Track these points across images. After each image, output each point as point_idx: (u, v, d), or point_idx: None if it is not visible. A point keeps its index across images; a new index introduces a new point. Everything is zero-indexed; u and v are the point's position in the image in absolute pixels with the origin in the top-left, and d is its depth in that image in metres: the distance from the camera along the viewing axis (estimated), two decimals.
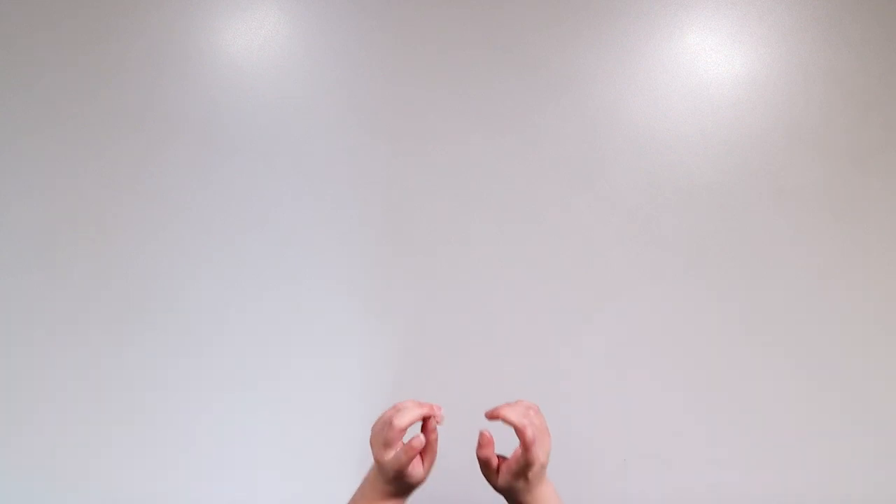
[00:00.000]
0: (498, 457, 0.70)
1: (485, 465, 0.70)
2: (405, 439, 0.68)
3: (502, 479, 0.68)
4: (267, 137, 1.03)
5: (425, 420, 0.69)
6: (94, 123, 1.03)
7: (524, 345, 1.01)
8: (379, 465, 0.68)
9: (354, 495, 0.72)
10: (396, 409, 0.68)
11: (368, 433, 0.70)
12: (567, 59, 1.02)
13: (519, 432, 0.66)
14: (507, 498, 0.71)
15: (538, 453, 0.66)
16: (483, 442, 0.69)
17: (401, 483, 0.68)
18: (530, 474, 0.66)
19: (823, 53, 1.00)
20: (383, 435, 0.66)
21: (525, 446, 0.66)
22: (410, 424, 0.67)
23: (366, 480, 0.71)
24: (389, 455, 0.66)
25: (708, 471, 1.00)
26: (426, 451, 0.69)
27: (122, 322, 1.02)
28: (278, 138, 1.03)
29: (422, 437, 0.67)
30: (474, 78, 1.02)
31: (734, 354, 0.99)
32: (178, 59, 1.03)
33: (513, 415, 0.67)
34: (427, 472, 0.70)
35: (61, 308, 1.02)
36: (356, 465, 0.99)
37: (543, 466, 0.68)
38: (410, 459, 0.66)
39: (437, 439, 0.70)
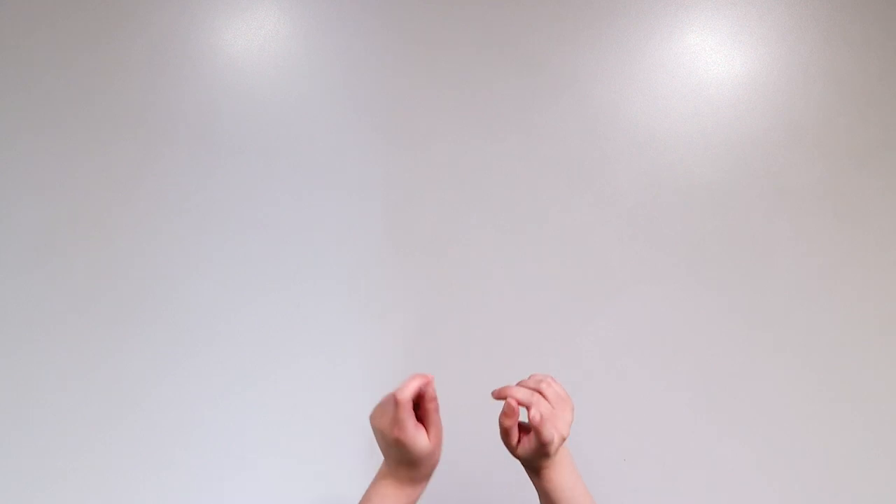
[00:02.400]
0: (520, 427, 0.69)
1: (505, 435, 0.68)
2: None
3: (521, 450, 0.68)
4: (267, 137, 1.03)
5: (422, 390, 0.66)
6: (94, 123, 1.03)
7: (524, 344, 1.01)
8: (394, 445, 0.65)
9: (367, 495, 0.69)
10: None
11: (369, 432, 0.69)
12: (567, 59, 1.02)
13: (528, 416, 0.64)
14: (524, 466, 0.70)
15: (551, 433, 0.64)
16: (507, 411, 0.67)
17: (412, 460, 0.65)
18: (549, 450, 0.65)
19: (823, 53, 1.00)
20: (391, 415, 0.64)
21: (534, 429, 0.64)
22: (413, 394, 0.64)
23: (376, 480, 0.69)
24: (408, 431, 0.63)
25: (708, 471, 1.00)
26: (429, 421, 0.66)
27: (122, 322, 1.02)
28: (278, 138, 1.03)
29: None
30: (474, 78, 1.02)
31: (734, 354, 1.00)
32: (178, 60, 1.03)
33: (520, 393, 0.65)
34: (436, 445, 0.66)
35: (61, 308, 1.02)
36: (356, 464, 0.99)
37: (563, 439, 0.66)
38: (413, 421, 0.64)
39: (437, 408, 0.66)
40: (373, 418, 0.67)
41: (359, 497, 0.71)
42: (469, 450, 1.02)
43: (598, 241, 1.01)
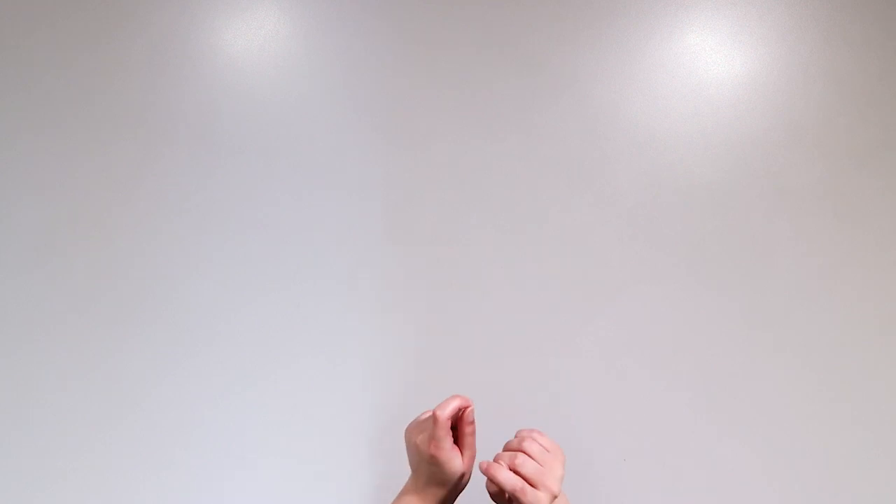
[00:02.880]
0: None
1: (495, 498, 0.66)
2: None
3: None
4: (267, 137, 1.03)
5: (461, 412, 0.67)
6: (94, 123, 1.03)
7: (523, 345, 1.01)
8: (428, 462, 0.65)
9: None
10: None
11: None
12: (567, 59, 1.02)
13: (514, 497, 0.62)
14: None
15: (540, 499, 0.62)
16: (490, 490, 0.65)
17: (443, 480, 0.66)
18: None
19: (823, 53, 1.00)
20: (430, 432, 0.65)
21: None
22: (454, 413, 0.65)
23: (401, 498, 0.69)
24: (444, 450, 0.64)
25: (708, 471, 1.00)
26: (464, 444, 0.67)
27: (122, 322, 1.02)
28: (278, 138, 1.03)
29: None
30: (474, 78, 1.02)
31: (734, 354, 1.00)
32: (178, 60, 1.03)
33: (501, 475, 0.63)
34: (469, 466, 0.67)
35: (61, 308, 1.02)
36: (356, 464, 0.99)
37: (554, 497, 0.64)
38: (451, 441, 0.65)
39: (474, 432, 0.68)
40: (410, 433, 0.68)
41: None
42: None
43: (598, 241, 1.01)
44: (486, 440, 1.03)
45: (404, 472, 0.77)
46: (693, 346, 0.99)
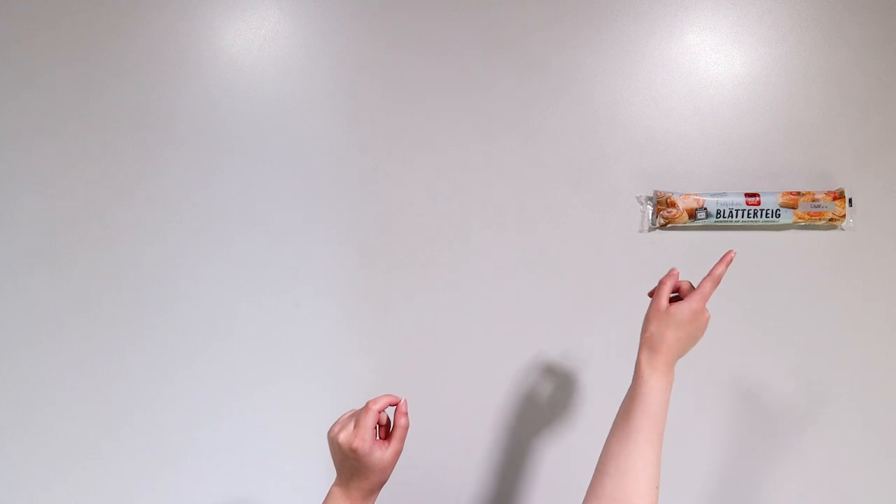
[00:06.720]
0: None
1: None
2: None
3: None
4: (266, 138, 1.03)
5: (396, 406, 0.71)
6: (94, 123, 1.03)
7: (523, 344, 1.01)
8: (350, 456, 0.67)
9: None
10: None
11: None
12: (567, 59, 1.02)
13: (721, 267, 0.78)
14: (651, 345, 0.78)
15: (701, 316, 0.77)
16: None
17: (362, 469, 0.67)
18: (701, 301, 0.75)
19: (823, 53, 1.00)
20: (353, 424, 0.67)
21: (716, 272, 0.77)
22: (384, 407, 0.69)
23: (330, 491, 0.70)
24: (366, 440, 0.66)
25: (711, 470, 1.00)
26: (394, 436, 0.69)
27: (122, 322, 1.02)
28: (278, 139, 1.03)
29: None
30: (474, 78, 1.02)
31: (735, 354, 1.00)
32: (178, 60, 1.03)
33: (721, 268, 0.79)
34: (391, 460, 0.69)
35: (61, 308, 1.02)
36: None
37: (678, 340, 0.77)
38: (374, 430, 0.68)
39: (407, 425, 0.70)
40: (331, 432, 0.69)
41: None
42: (465, 454, 1.02)
43: (598, 241, 1.01)
44: (487, 440, 1.03)
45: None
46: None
